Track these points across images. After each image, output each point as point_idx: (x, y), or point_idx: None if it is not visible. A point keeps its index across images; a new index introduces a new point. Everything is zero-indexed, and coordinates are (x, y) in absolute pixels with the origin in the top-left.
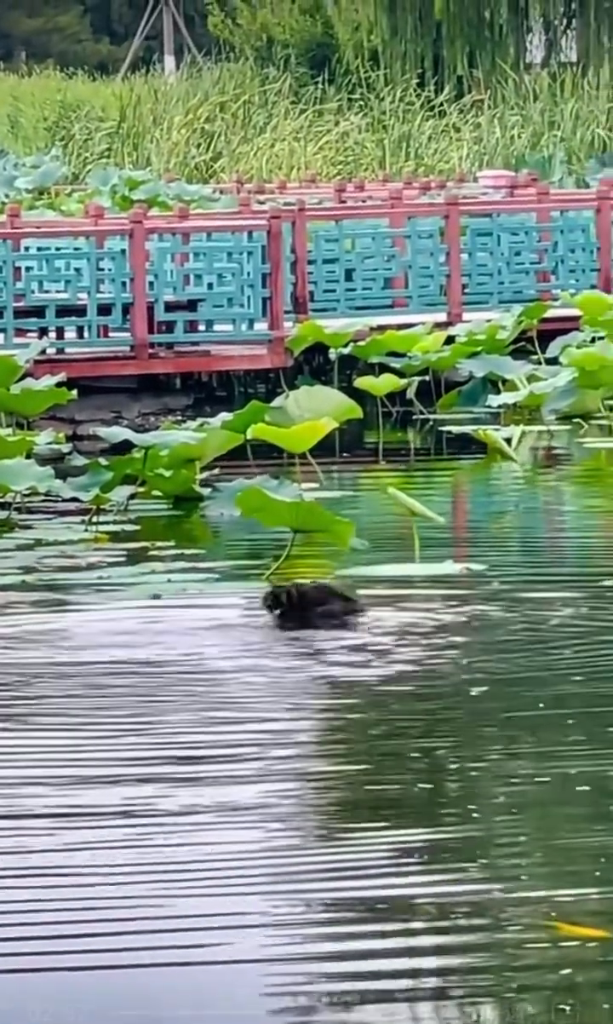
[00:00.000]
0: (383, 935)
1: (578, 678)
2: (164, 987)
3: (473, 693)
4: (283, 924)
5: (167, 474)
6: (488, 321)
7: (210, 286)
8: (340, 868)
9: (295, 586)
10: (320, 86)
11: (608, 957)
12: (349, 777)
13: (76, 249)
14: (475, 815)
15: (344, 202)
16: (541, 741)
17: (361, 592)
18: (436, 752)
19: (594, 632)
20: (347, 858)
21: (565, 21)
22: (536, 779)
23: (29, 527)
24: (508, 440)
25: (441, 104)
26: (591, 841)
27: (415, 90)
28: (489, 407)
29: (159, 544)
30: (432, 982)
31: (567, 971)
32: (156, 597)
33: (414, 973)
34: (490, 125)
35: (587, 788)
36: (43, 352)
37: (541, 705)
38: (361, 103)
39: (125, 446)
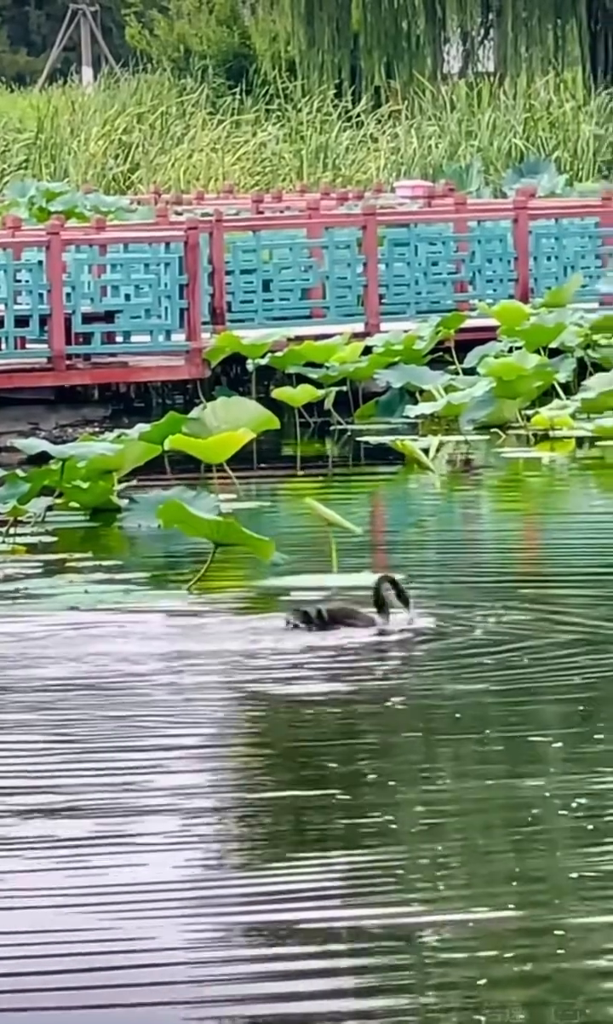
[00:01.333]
0: (303, 958)
1: (497, 690)
2: (86, 1013)
3: (393, 709)
4: (204, 948)
5: (85, 486)
6: (405, 331)
7: (127, 297)
8: (261, 894)
9: (321, 608)
10: (238, 97)
11: (526, 976)
12: (270, 800)
13: None
14: (395, 837)
15: (262, 213)
16: (461, 759)
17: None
18: (355, 773)
19: (511, 640)
20: (267, 883)
21: (482, 31)
22: (456, 799)
23: None
24: (425, 450)
25: (358, 114)
26: (510, 862)
27: (332, 101)
28: (407, 417)
29: (77, 556)
30: (352, 1004)
31: (486, 992)
32: (74, 609)
33: (334, 994)
34: (407, 135)
35: (507, 807)
36: None
37: (459, 717)
38: (279, 114)
39: (42, 458)
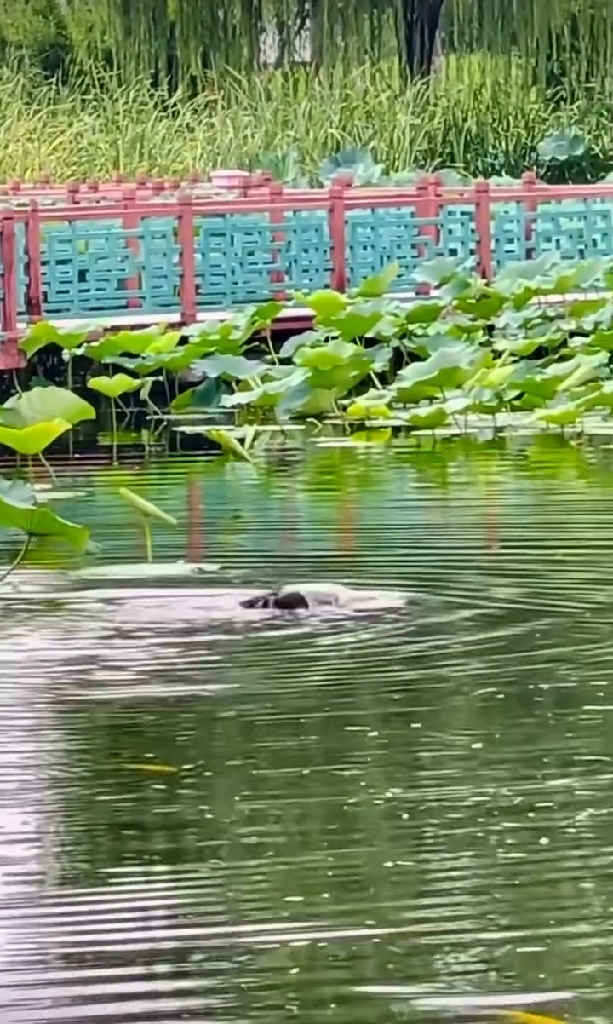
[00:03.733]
0: (123, 979)
1: (311, 687)
2: None
3: (213, 707)
4: (21, 971)
5: None
6: (222, 321)
7: None
8: (79, 913)
9: (272, 593)
10: (54, 87)
11: (345, 997)
12: (88, 816)
13: None
14: (219, 855)
15: (78, 203)
16: (277, 760)
17: (93, 594)
18: (172, 785)
19: (325, 634)
20: (86, 904)
21: (298, 21)
22: (272, 815)
23: None
24: (242, 440)
25: (175, 104)
26: (332, 878)
27: (149, 90)
28: (223, 407)
29: None
30: None
31: (308, 1011)
32: None
33: (152, 1016)
34: (224, 125)
35: (323, 819)
36: None
37: (275, 708)
38: (95, 104)
39: None
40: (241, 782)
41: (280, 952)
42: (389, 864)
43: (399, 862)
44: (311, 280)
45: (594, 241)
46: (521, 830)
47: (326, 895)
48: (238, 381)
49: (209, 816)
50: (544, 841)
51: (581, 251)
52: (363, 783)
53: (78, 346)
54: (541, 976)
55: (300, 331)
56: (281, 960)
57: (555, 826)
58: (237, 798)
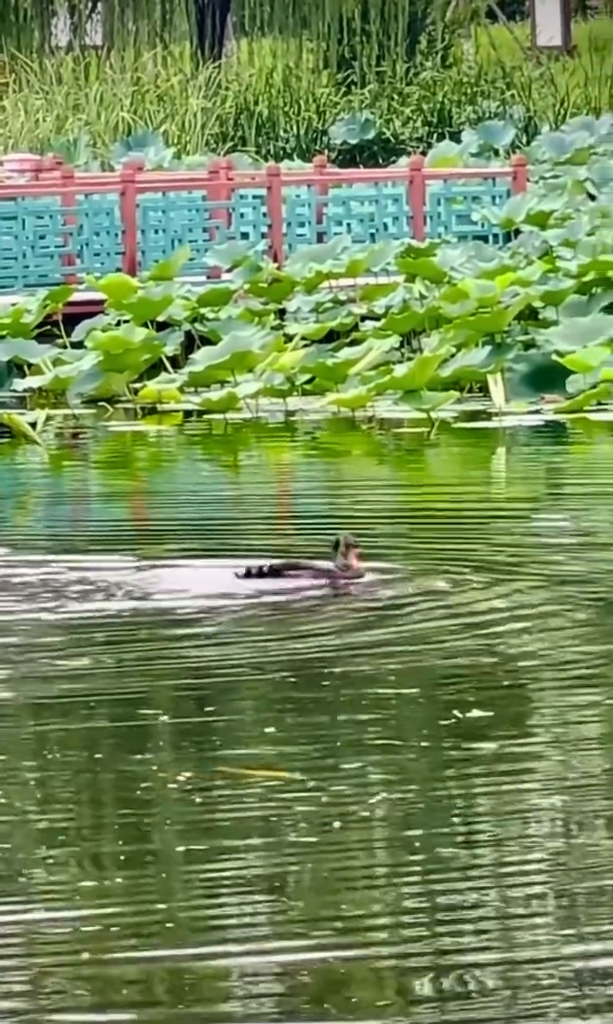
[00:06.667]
0: None
1: (122, 669)
2: None
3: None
4: None
5: None
6: (13, 305)
7: None
8: None
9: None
10: None
11: (138, 984)
12: None
13: None
14: (14, 838)
15: None
16: (69, 743)
17: None
18: None
19: (125, 623)
20: None
21: (90, 5)
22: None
23: None
24: (33, 424)
25: None
26: (121, 860)
27: None
28: (14, 391)
29: None
30: None
31: (99, 997)
32: None
33: None
34: (15, 109)
35: (114, 805)
36: None
37: (61, 694)
38: None
39: None
40: (33, 768)
41: (74, 933)
42: (181, 848)
43: (190, 846)
44: (103, 264)
45: (385, 225)
46: (312, 814)
47: (111, 873)
48: (30, 365)
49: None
50: (336, 825)
51: (372, 235)
52: (155, 767)
53: None
54: (326, 932)
55: (92, 315)
56: (76, 941)
57: (347, 811)
58: (26, 785)
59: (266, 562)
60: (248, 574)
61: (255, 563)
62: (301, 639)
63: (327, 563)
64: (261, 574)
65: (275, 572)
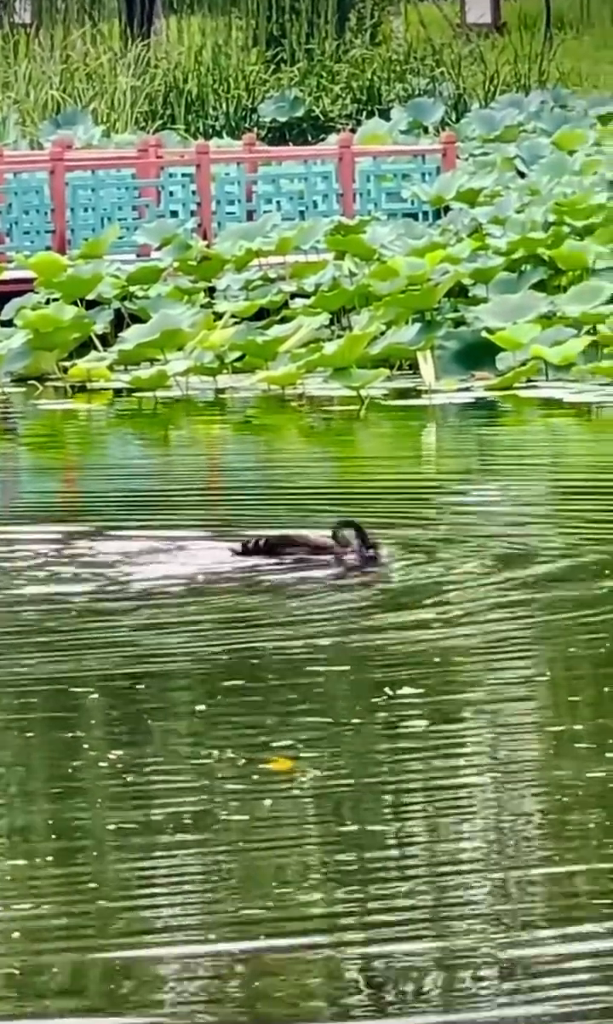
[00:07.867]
0: None
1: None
2: None
3: None
4: None
5: None
6: None
7: None
8: None
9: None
10: None
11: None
12: None
13: None
14: None
15: None
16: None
17: None
18: None
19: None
20: None
21: None
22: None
23: None
24: None
25: None
26: (52, 843)
27: None
28: None
29: None
30: None
31: (29, 978)
32: None
33: None
34: None
35: (44, 780)
36: None
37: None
38: None
39: None
40: None
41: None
42: (112, 826)
43: (122, 824)
44: (32, 242)
45: (314, 203)
46: (243, 792)
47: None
48: None
49: None
50: (268, 803)
51: (301, 212)
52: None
53: None
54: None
55: (21, 293)
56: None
57: (277, 789)
58: None
59: (261, 536)
60: (245, 550)
61: (251, 535)
62: (233, 623)
63: (323, 536)
64: (258, 550)
65: (271, 547)
